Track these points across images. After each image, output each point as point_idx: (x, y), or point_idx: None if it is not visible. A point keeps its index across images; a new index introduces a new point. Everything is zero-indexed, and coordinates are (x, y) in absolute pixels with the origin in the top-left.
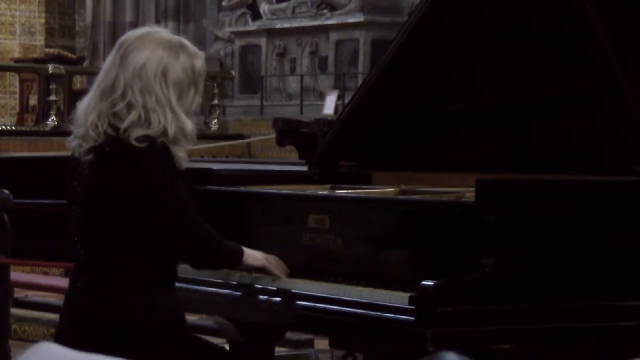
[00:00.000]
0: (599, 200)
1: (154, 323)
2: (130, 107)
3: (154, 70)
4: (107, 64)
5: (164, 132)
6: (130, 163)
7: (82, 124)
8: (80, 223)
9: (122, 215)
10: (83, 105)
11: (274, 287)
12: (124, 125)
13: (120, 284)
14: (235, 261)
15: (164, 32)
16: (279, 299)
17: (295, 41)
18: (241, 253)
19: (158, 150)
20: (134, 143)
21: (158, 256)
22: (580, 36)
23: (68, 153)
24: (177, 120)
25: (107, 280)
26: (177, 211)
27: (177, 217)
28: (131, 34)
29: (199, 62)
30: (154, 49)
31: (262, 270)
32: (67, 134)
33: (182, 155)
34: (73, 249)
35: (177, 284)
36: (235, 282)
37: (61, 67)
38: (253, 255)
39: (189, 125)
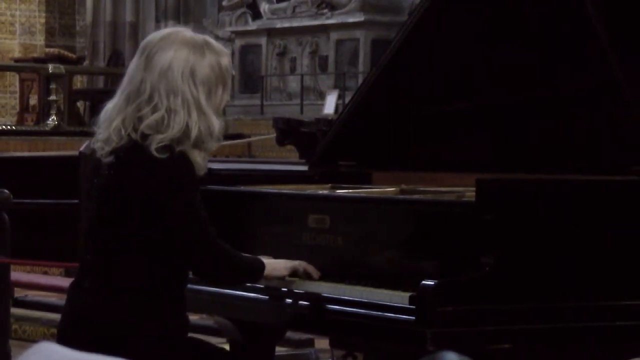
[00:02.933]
0: (597, 200)
1: (156, 325)
2: (155, 110)
3: (181, 70)
4: (132, 68)
5: (186, 134)
6: (148, 172)
7: (106, 129)
8: (93, 223)
9: (134, 221)
10: (108, 109)
11: (273, 287)
12: (142, 126)
13: (126, 287)
14: (256, 276)
15: (187, 31)
16: (278, 298)
17: (296, 41)
18: (261, 268)
19: (176, 162)
20: (154, 154)
21: (166, 262)
22: (579, 36)
23: (68, 153)
24: (205, 120)
25: (113, 282)
26: (191, 227)
27: (192, 234)
28: (154, 36)
29: (225, 60)
30: (179, 49)
31: (291, 276)
32: (67, 133)
33: (200, 160)
34: (83, 249)
35: None
36: None
37: (61, 66)
38: (276, 267)
39: (217, 124)
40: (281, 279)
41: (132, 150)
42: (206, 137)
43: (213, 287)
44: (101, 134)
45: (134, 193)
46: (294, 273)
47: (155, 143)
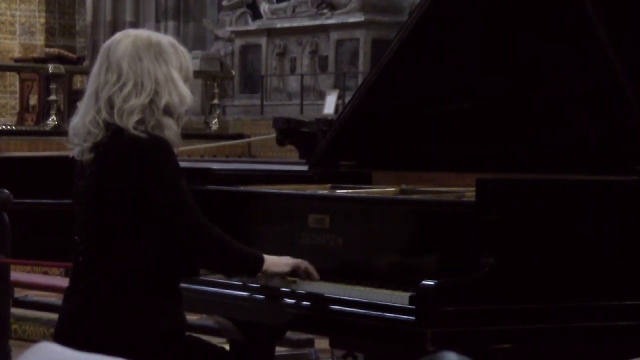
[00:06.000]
0: (598, 199)
1: (155, 325)
2: (123, 86)
3: (145, 48)
4: (94, 71)
5: (155, 102)
6: (128, 162)
7: (81, 128)
8: (83, 224)
9: (122, 218)
10: (77, 116)
11: (273, 286)
12: (115, 108)
13: (120, 287)
14: (253, 267)
15: (145, 30)
16: (278, 298)
17: (296, 41)
18: (260, 259)
19: (154, 146)
20: (132, 131)
21: (159, 259)
22: (580, 36)
23: (69, 153)
24: (174, 87)
25: (107, 283)
26: (178, 212)
27: (181, 218)
28: (111, 38)
29: (187, 54)
30: (138, 39)
31: (290, 275)
32: (67, 133)
33: (176, 129)
34: (76, 250)
35: None
36: (235, 282)
37: (61, 66)
38: (277, 263)
39: (187, 91)
40: (282, 276)
41: (110, 141)
42: (178, 104)
43: (213, 287)
44: (78, 138)
45: (117, 190)
46: (294, 272)
47: (130, 123)
